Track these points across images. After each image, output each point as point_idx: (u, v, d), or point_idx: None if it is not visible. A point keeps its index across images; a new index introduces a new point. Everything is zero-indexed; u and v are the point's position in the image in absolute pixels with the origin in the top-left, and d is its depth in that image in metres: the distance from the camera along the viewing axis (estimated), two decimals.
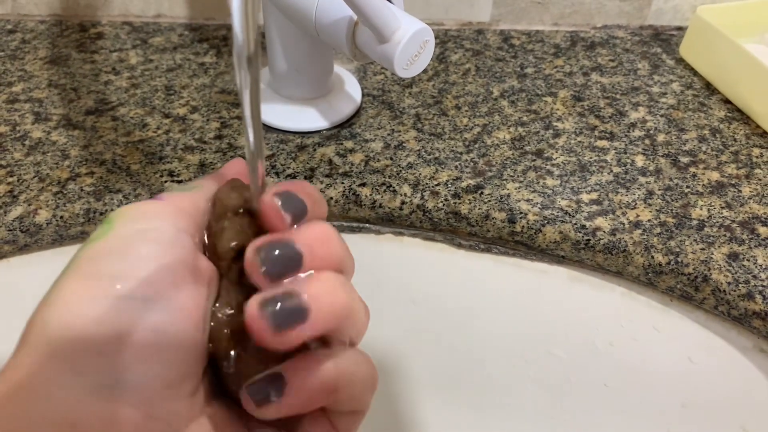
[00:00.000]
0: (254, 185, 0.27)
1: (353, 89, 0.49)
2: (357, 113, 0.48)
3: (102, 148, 0.44)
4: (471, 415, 0.49)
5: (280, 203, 0.22)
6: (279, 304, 0.20)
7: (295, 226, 0.23)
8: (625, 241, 0.40)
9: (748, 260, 0.38)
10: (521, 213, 0.41)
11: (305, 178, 0.42)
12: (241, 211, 0.24)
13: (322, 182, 0.42)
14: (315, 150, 0.44)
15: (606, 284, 0.42)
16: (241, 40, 0.23)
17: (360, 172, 0.43)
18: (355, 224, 0.44)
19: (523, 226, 0.41)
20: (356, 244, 0.44)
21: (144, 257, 0.21)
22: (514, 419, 0.49)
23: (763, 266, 0.38)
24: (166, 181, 0.42)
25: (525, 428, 0.49)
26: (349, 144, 0.45)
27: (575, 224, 0.40)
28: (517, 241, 0.42)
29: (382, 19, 0.35)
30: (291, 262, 0.21)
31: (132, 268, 0.20)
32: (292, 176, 0.42)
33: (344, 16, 0.38)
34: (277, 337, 0.20)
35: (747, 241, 0.40)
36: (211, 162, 0.43)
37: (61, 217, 0.40)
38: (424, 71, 0.52)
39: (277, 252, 0.21)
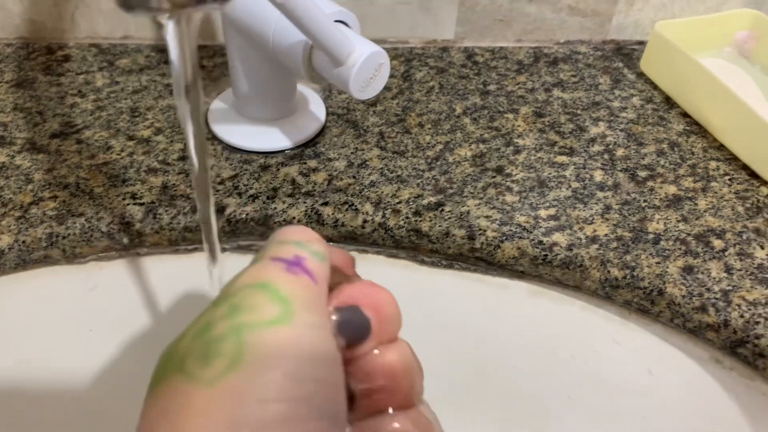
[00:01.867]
0: (202, 211, 0.27)
1: (317, 108, 0.49)
2: (321, 132, 0.48)
3: (66, 172, 0.44)
4: None
5: (335, 321, 0.21)
6: None
7: (352, 348, 0.21)
8: (582, 256, 0.40)
9: (702, 273, 0.39)
10: (480, 230, 0.41)
11: (268, 198, 0.43)
12: None
13: (284, 202, 0.43)
14: (278, 170, 0.45)
15: (565, 298, 0.43)
16: (178, 70, 0.24)
17: (323, 192, 0.43)
18: None
19: (482, 243, 0.41)
20: None
21: (323, 366, 0.19)
22: None
23: (717, 279, 0.39)
24: (128, 204, 0.42)
25: None
26: (312, 163, 0.45)
27: (533, 240, 0.41)
28: (477, 257, 0.42)
29: (335, 44, 0.35)
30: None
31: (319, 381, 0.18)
32: (254, 197, 0.43)
33: (300, 40, 0.38)
34: None
35: (701, 254, 0.40)
36: (174, 184, 0.43)
37: (23, 242, 0.40)
38: (388, 89, 0.52)
39: None
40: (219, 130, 0.47)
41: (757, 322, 0.37)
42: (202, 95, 0.51)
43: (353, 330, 0.21)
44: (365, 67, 0.37)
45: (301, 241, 0.21)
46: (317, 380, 0.18)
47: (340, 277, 0.23)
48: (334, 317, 0.21)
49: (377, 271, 0.45)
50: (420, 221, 0.42)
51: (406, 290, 0.46)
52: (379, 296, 0.22)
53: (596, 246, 0.41)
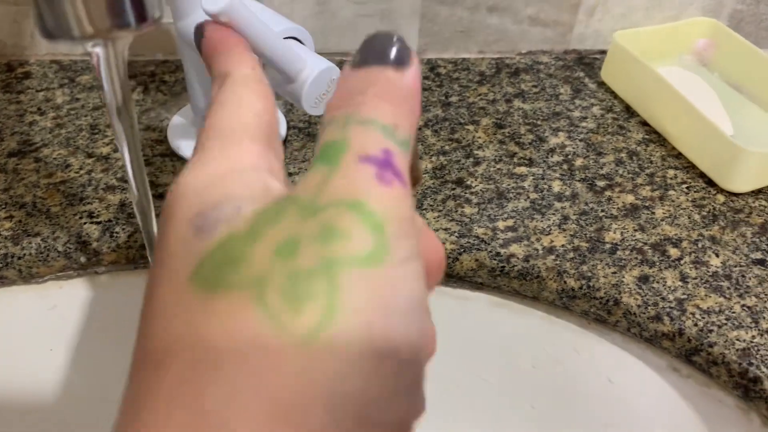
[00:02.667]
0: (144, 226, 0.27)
1: (278, 122, 0.49)
2: (282, 146, 0.48)
3: (23, 191, 0.44)
4: None
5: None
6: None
7: None
8: (539, 267, 0.40)
9: (657, 282, 0.40)
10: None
11: None
12: None
13: None
14: None
15: (525, 309, 0.43)
16: (109, 93, 0.24)
17: None
18: None
19: None
20: None
21: (414, 325, 0.15)
22: None
23: (672, 288, 0.39)
24: (85, 223, 0.42)
25: None
26: None
27: (490, 252, 0.41)
28: None
29: (285, 61, 0.35)
30: None
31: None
32: None
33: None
34: None
35: (657, 263, 0.41)
36: (131, 202, 0.43)
37: None
38: None
39: None
40: (178, 146, 0.47)
41: (711, 331, 0.37)
42: (136, 118, 0.51)
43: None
44: (317, 83, 0.37)
45: (388, 126, 0.17)
46: (411, 342, 0.15)
47: None
48: None
49: None
50: None
51: None
52: (438, 254, 0.19)
53: (553, 257, 0.41)
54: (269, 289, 0.14)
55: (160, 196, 0.43)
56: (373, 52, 0.18)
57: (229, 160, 0.18)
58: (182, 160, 0.46)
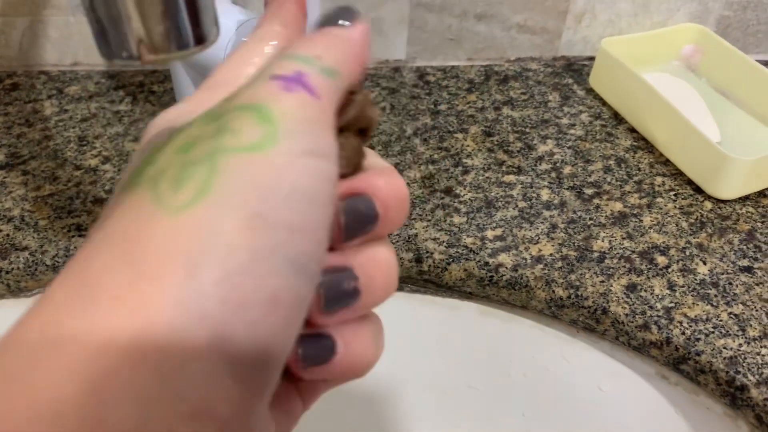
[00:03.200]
0: None
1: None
2: None
3: (11, 204, 0.44)
4: None
5: (344, 217, 0.19)
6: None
7: (354, 241, 0.19)
8: (527, 277, 0.40)
9: (645, 291, 0.40)
10: (428, 252, 0.42)
11: None
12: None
13: None
14: None
15: (514, 317, 0.43)
16: None
17: None
18: None
19: (430, 265, 0.42)
20: None
21: (304, 207, 0.16)
22: None
23: (660, 296, 0.39)
24: (73, 236, 0.42)
25: None
26: None
27: (479, 261, 0.41)
28: (425, 279, 0.43)
29: None
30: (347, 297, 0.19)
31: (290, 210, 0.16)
32: None
33: None
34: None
35: (645, 272, 0.41)
36: None
37: None
38: None
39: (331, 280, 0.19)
40: None
41: (698, 339, 0.37)
42: None
43: (360, 222, 0.19)
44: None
45: (309, 56, 0.18)
46: (292, 227, 0.16)
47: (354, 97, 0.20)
48: (342, 213, 0.19)
49: None
50: None
51: None
52: (388, 178, 0.20)
53: (541, 266, 0.41)
54: (162, 179, 0.16)
55: None
56: (325, 18, 0.20)
57: (203, 103, 0.19)
58: None
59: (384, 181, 0.19)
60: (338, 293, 0.19)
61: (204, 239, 0.15)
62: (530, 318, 0.43)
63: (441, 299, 0.44)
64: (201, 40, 0.22)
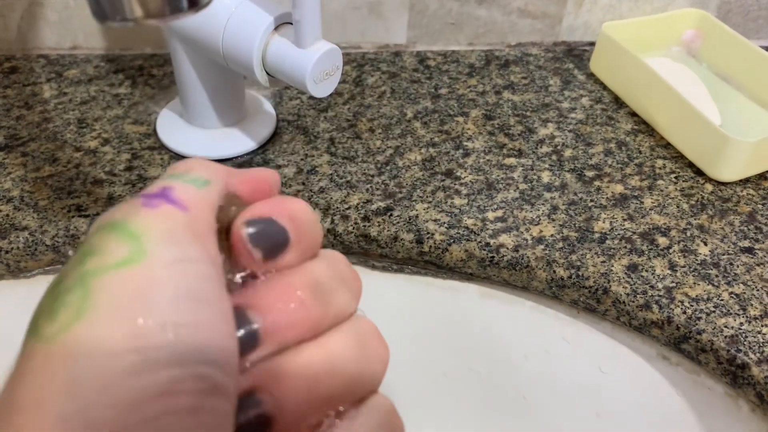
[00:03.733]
0: None
1: (268, 115, 0.49)
2: (271, 139, 0.48)
3: (10, 185, 0.44)
4: None
5: (249, 234, 0.19)
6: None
7: (272, 260, 0.19)
8: (528, 257, 0.40)
9: (646, 271, 0.40)
10: (428, 233, 0.42)
11: None
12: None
13: None
14: None
15: (515, 299, 0.43)
16: None
17: None
18: None
19: (431, 246, 0.42)
20: None
21: (191, 307, 0.16)
22: None
23: (661, 276, 0.39)
24: (73, 216, 0.41)
25: None
26: None
27: (480, 242, 0.41)
28: (426, 260, 0.42)
29: (313, 23, 0.36)
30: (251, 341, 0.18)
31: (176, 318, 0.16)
32: None
33: (251, 41, 0.38)
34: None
35: (646, 252, 0.41)
36: (120, 194, 0.43)
37: None
38: (340, 95, 0.52)
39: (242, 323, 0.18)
40: (167, 139, 0.47)
41: (699, 318, 0.37)
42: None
43: (270, 239, 0.19)
44: (325, 60, 0.38)
45: (179, 173, 0.19)
46: (181, 324, 0.16)
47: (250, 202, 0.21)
48: (247, 230, 0.19)
49: None
50: (369, 226, 0.42)
51: None
52: (292, 205, 0.20)
53: (542, 246, 0.41)
54: (39, 315, 0.16)
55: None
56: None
57: None
58: (170, 153, 0.46)
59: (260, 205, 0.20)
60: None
61: (83, 354, 0.15)
62: (531, 299, 0.43)
63: (441, 281, 0.44)
64: (194, 2, 0.22)
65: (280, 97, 0.52)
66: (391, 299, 0.45)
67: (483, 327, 0.45)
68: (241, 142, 0.46)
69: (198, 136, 0.46)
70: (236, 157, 0.46)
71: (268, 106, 0.50)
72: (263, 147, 0.47)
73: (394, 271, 0.44)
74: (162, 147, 0.47)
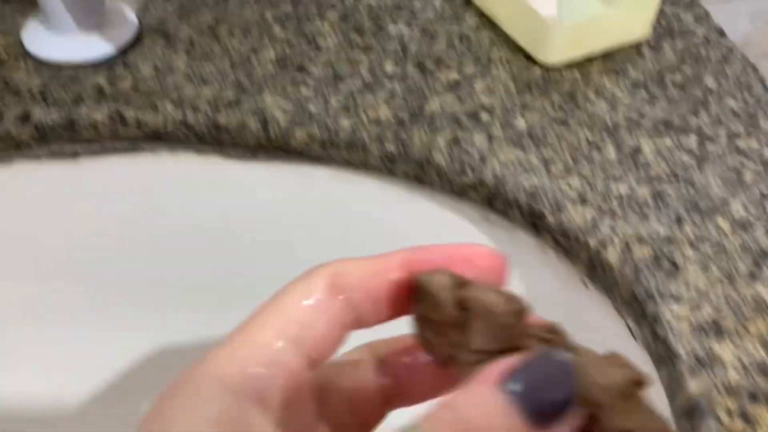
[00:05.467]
0: None
1: (130, 22, 0.52)
2: (133, 44, 0.51)
3: None
4: None
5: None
6: None
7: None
8: (363, 137, 0.44)
9: (466, 143, 0.44)
10: (274, 120, 0.45)
11: (73, 104, 0.45)
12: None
13: (89, 107, 0.45)
14: (86, 79, 0.47)
15: (363, 179, 0.47)
16: None
17: (127, 96, 0.46)
18: (128, 145, 0.47)
19: (275, 132, 0.45)
20: (132, 166, 0.48)
21: None
22: None
23: (479, 147, 0.44)
24: None
25: None
26: (120, 72, 0.48)
27: (321, 125, 0.45)
28: (275, 146, 0.46)
29: None
30: None
31: None
32: (60, 105, 0.45)
33: None
34: None
35: (470, 128, 0.45)
36: None
37: None
38: (205, 3, 0.55)
39: None
40: (30, 45, 0.49)
41: (507, 178, 0.42)
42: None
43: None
44: None
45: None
46: None
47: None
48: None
49: (188, 168, 0.48)
50: (218, 116, 0.45)
51: (215, 187, 0.49)
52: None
53: (377, 128, 0.45)
54: None
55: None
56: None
57: (250, 344, 0.21)
58: (32, 58, 0.49)
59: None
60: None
61: None
62: (372, 176, 0.47)
63: (295, 167, 0.48)
64: None
65: (147, 8, 0.54)
66: (249, 187, 0.49)
67: (335, 210, 0.49)
68: (102, 46, 0.49)
69: (56, 39, 0.49)
70: (97, 61, 0.49)
71: (132, 15, 0.53)
72: (125, 51, 0.50)
73: (248, 159, 0.48)
74: (26, 54, 0.49)
